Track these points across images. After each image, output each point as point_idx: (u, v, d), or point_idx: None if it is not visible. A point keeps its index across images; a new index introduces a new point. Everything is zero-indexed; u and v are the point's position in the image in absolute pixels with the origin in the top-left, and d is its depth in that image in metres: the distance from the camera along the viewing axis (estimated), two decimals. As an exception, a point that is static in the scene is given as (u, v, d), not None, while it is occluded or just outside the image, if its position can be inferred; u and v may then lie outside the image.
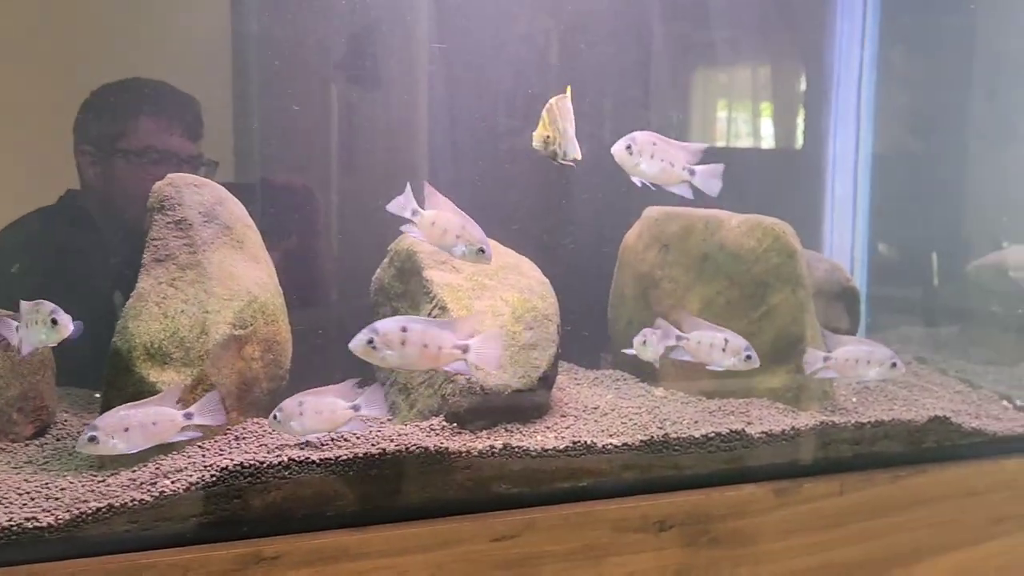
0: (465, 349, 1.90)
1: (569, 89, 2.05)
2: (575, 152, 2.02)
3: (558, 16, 3.08)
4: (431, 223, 1.96)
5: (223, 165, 2.61)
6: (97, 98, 2.48)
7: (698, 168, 2.12)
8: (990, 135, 3.82)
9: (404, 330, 1.86)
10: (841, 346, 2.34)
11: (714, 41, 3.51)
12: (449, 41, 2.89)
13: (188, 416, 1.85)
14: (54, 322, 1.81)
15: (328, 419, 1.90)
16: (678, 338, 2.27)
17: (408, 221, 1.98)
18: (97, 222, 2.59)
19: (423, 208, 1.98)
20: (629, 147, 2.07)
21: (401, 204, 1.98)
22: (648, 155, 2.08)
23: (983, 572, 2.37)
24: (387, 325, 1.87)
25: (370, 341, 1.84)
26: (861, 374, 2.34)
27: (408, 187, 2.00)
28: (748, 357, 2.23)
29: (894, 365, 2.32)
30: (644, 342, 2.33)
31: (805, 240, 2.63)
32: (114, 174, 2.54)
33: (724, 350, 2.25)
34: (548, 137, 1.94)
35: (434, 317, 2.26)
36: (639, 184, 2.11)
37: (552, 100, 1.99)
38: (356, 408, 1.92)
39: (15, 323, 1.87)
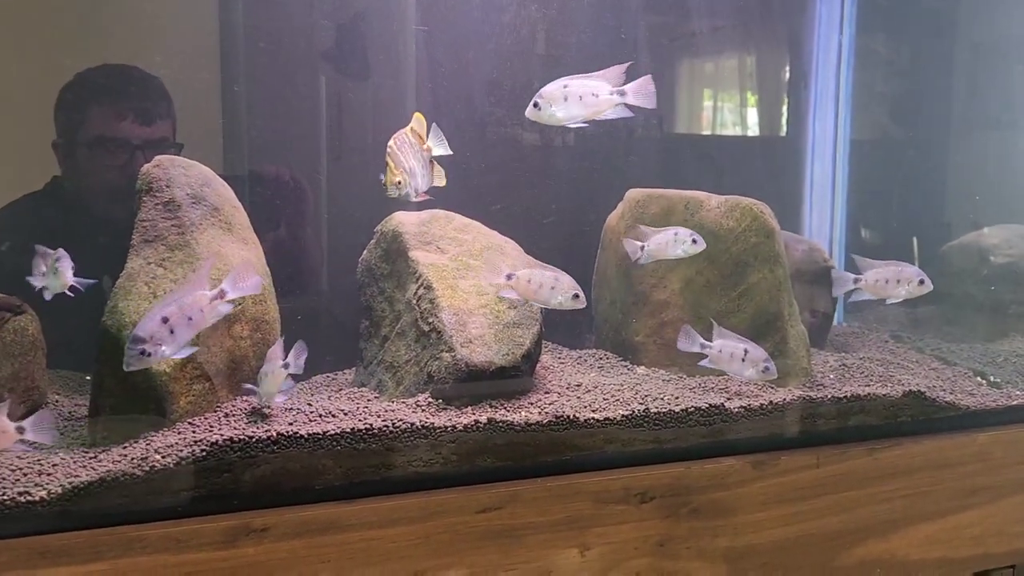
0: (222, 294, 1.88)
1: (420, 116, 2.06)
2: (427, 183, 2.03)
3: (543, 4, 3.11)
4: (527, 281, 2.10)
5: (212, 157, 2.61)
6: (64, 90, 2.49)
7: (628, 87, 2.14)
8: (968, 120, 3.88)
9: (165, 320, 1.77)
10: (871, 268, 2.45)
11: (693, 27, 3.55)
12: (435, 29, 2.92)
13: (20, 430, 1.75)
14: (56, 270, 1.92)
15: None
16: (702, 346, 2.32)
17: (505, 286, 2.14)
18: (75, 211, 2.61)
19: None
20: (536, 104, 2.09)
21: (495, 270, 2.17)
22: (561, 99, 2.09)
23: (957, 541, 2.43)
24: (146, 326, 1.75)
25: (142, 352, 1.73)
26: (891, 293, 2.44)
27: (492, 262, 2.21)
28: (766, 369, 2.29)
29: (922, 282, 2.42)
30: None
31: (785, 223, 2.68)
32: (79, 165, 2.56)
33: (744, 360, 2.31)
34: (399, 182, 1.93)
35: (419, 296, 2.30)
36: (573, 126, 2.14)
37: (391, 142, 1.97)
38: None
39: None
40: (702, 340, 2.31)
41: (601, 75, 2.15)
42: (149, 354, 1.75)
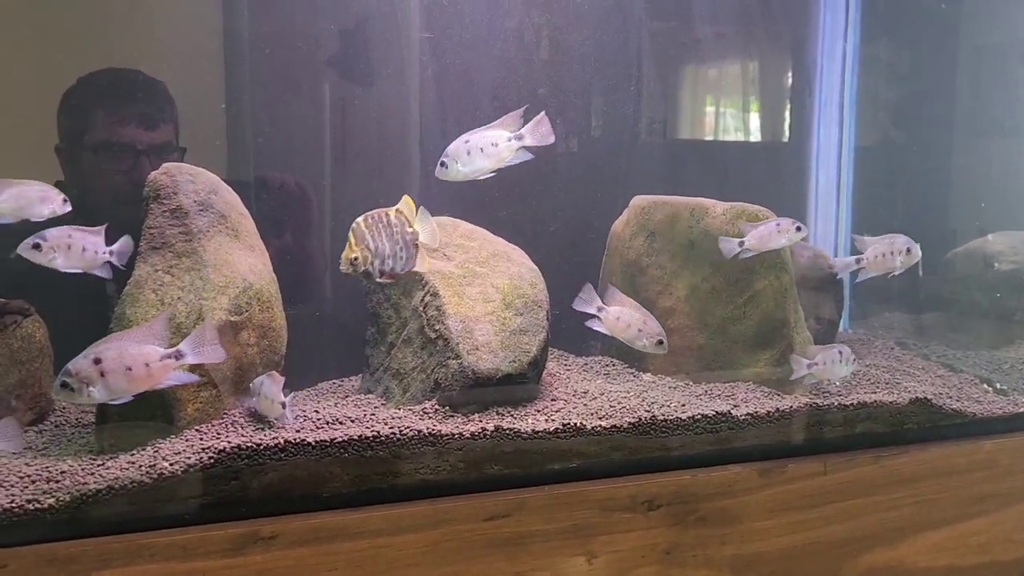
0: (179, 356, 1.81)
1: (408, 199, 2.08)
2: (405, 266, 2.03)
3: (548, 11, 3.12)
4: (616, 318, 2.17)
5: (217, 162, 2.62)
6: (66, 95, 2.49)
7: (524, 130, 2.18)
8: (972, 126, 3.89)
9: (98, 361, 1.73)
10: (867, 247, 2.57)
11: (700, 35, 3.56)
12: (439, 36, 2.93)
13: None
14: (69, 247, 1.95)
15: None
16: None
17: (593, 316, 2.21)
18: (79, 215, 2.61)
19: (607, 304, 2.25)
20: (443, 163, 2.16)
21: (586, 301, 2.23)
22: (464, 154, 2.13)
23: (964, 549, 2.43)
24: (78, 362, 1.73)
25: (64, 384, 1.72)
26: (890, 266, 2.55)
27: (589, 286, 2.25)
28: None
29: (909, 251, 2.54)
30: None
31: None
32: (82, 170, 2.56)
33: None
34: (355, 259, 1.93)
35: (426, 303, 2.30)
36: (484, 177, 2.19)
37: (359, 220, 1.97)
38: None
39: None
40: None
41: (499, 123, 2.21)
42: (72, 389, 1.72)
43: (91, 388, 1.74)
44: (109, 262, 2.06)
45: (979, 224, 3.54)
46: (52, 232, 1.99)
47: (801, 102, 3.79)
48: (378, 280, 1.98)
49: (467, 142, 2.16)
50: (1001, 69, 3.88)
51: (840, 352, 2.42)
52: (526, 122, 2.20)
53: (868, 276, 2.59)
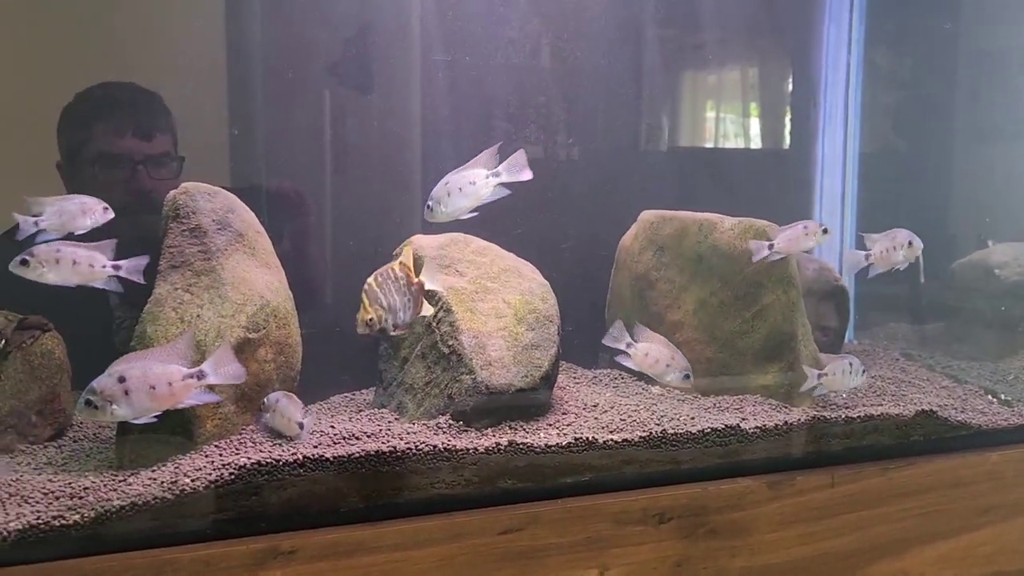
0: (200, 375, 1.85)
1: (409, 250, 2.12)
2: (412, 315, 2.07)
3: (550, 20, 3.14)
4: (645, 354, 2.25)
5: (218, 170, 2.64)
6: (65, 110, 2.52)
7: (501, 167, 2.23)
8: (975, 134, 3.91)
9: (122, 380, 1.76)
10: (874, 244, 2.60)
11: (707, 46, 3.59)
12: (442, 46, 2.95)
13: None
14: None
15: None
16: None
17: (623, 352, 2.28)
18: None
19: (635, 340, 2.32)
20: (428, 206, 2.21)
21: (616, 338, 2.30)
22: (445, 196, 2.20)
23: (970, 560, 2.46)
24: (103, 380, 1.77)
25: (88, 403, 1.76)
26: (895, 260, 2.58)
27: (619, 323, 2.32)
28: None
29: (911, 244, 2.55)
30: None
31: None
32: (83, 185, 2.56)
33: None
34: (371, 320, 1.96)
35: (439, 319, 2.33)
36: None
37: (371, 279, 2.01)
38: None
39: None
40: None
41: (475, 162, 2.25)
42: (96, 407, 1.75)
43: (114, 406, 1.77)
44: (118, 276, 2.07)
45: (982, 236, 3.57)
46: (40, 248, 2.02)
47: (806, 111, 3.82)
48: (392, 334, 2.03)
49: (447, 183, 2.21)
50: (1002, 75, 3.91)
51: (851, 364, 2.45)
52: (503, 158, 2.25)
53: (876, 272, 2.61)
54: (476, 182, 2.20)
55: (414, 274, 2.07)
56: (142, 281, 2.09)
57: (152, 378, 1.79)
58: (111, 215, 2.10)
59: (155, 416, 1.82)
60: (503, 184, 2.23)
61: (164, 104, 2.59)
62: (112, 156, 2.56)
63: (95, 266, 2.05)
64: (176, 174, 2.59)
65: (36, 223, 2.05)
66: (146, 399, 1.79)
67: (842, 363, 2.46)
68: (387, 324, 1.98)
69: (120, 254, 2.09)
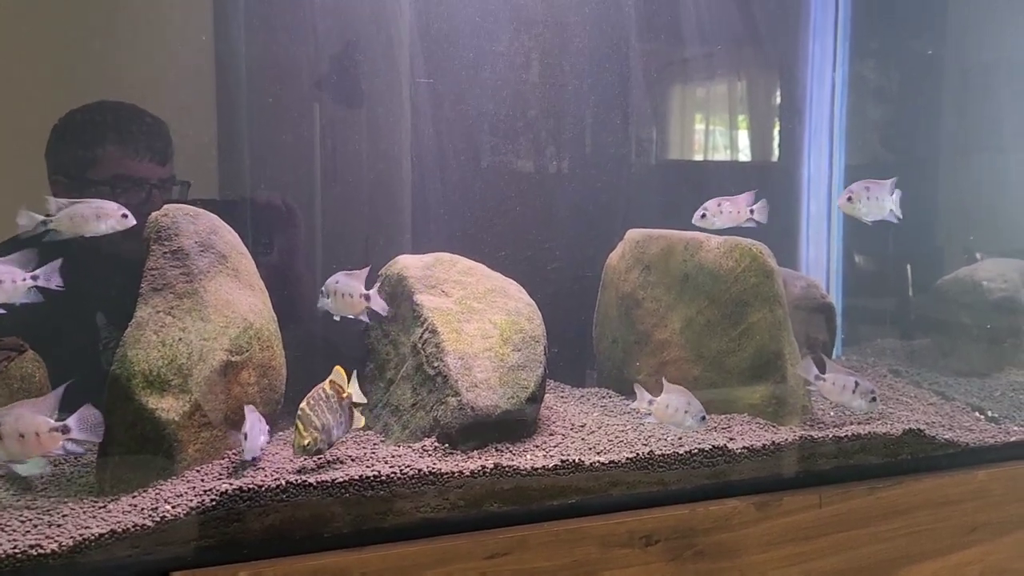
0: (66, 429, 1.85)
1: (339, 369, 2.12)
2: (345, 430, 2.09)
3: (538, 35, 3.14)
4: (666, 407, 2.32)
5: (206, 183, 2.64)
6: (65, 125, 2.49)
7: (371, 292, 2.38)
8: (960, 149, 3.94)
9: None
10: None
11: (692, 61, 3.60)
12: (431, 63, 2.95)
13: (65, 430, 1.83)
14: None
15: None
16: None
17: (646, 414, 2.37)
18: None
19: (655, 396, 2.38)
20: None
21: (640, 400, 2.38)
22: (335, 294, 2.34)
23: (958, 579, 2.45)
24: None
25: None
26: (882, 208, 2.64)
27: (639, 387, 2.40)
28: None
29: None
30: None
31: (781, 254, 2.70)
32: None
33: (854, 392, 2.47)
34: (307, 444, 1.96)
35: (424, 340, 2.32)
36: None
37: (303, 404, 2.01)
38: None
39: None
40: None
41: (357, 274, 2.36)
42: None
43: None
44: (37, 287, 2.01)
45: (970, 250, 3.58)
46: None
47: (792, 127, 3.83)
48: (324, 452, 2.03)
49: (337, 282, 2.34)
50: (986, 90, 3.93)
51: (857, 384, 2.47)
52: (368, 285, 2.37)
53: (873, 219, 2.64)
54: (353, 295, 2.35)
55: (346, 389, 2.10)
56: (60, 284, 2.03)
57: (23, 426, 1.82)
58: (131, 221, 2.09)
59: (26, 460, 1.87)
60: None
61: (166, 127, 2.60)
62: (129, 179, 2.54)
63: (16, 281, 1.99)
64: (184, 198, 2.58)
65: (44, 222, 2.03)
66: (16, 445, 1.82)
67: (847, 379, 2.47)
68: (323, 445, 1.99)
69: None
